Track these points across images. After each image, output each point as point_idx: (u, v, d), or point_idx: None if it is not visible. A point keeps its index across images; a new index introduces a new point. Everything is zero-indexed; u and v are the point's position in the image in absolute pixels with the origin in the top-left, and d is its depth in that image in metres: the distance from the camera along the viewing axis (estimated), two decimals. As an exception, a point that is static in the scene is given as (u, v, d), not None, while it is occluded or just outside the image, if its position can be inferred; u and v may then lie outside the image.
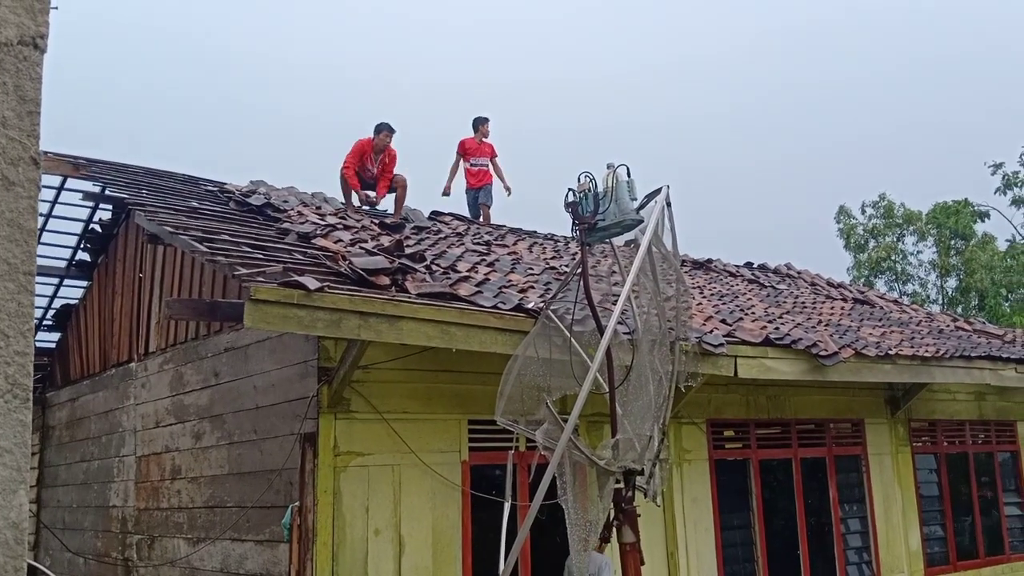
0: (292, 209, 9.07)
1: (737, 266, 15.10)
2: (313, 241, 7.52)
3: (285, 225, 8.10)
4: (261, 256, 6.57)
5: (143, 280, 9.86)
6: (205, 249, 6.53)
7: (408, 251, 7.59)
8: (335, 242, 7.58)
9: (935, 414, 11.55)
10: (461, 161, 12.68)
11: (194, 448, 8.46)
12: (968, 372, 10.32)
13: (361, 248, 7.32)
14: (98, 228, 10.93)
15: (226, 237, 7.07)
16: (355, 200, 10.71)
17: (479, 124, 12.72)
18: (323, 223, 8.55)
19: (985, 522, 11.91)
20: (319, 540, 6.47)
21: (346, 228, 8.62)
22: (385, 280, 6.40)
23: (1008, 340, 12.89)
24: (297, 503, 6.61)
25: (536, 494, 3.57)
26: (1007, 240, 25.35)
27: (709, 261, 14.57)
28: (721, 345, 7.77)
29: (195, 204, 8.66)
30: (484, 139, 12.70)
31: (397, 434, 6.96)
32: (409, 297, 6.19)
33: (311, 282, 5.56)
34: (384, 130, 10.82)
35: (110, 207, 10.32)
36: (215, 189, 9.90)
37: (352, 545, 6.64)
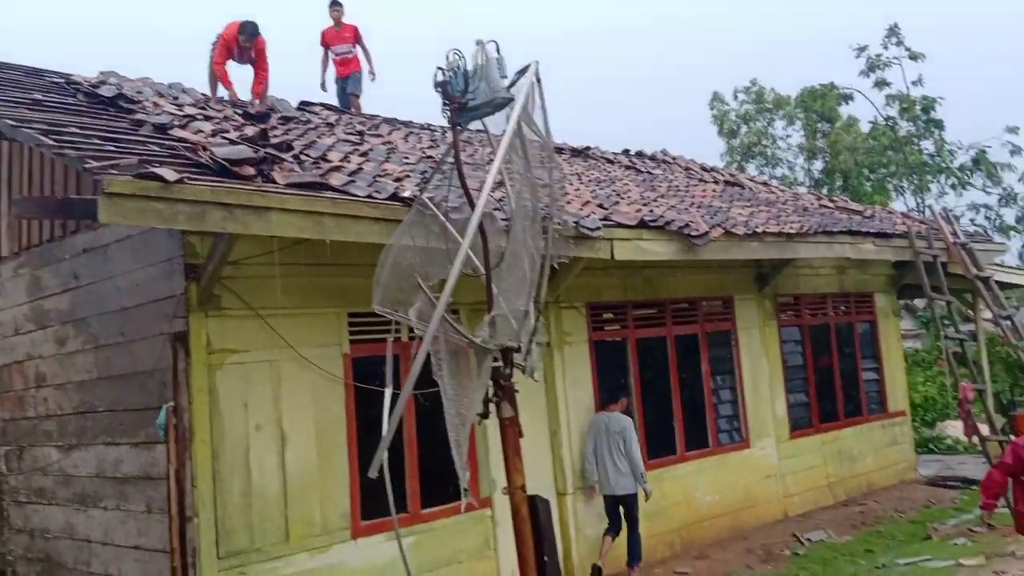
0: (147, 100, 8.52)
1: (614, 153, 15.21)
2: (171, 132, 7.10)
3: (139, 116, 7.61)
4: (114, 148, 6.16)
5: (-12, 181, 9.17)
6: (51, 142, 6.06)
7: (275, 141, 7.28)
8: (195, 133, 7.18)
9: (799, 289, 12.12)
10: (328, 52, 12.16)
11: (58, 354, 8.11)
12: (830, 247, 10.81)
13: (223, 138, 6.97)
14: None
15: (74, 129, 6.59)
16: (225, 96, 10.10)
17: (330, 10, 12.13)
18: (181, 114, 8.09)
19: (845, 388, 12.74)
20: (197, 438, 6.36)
21: (207, 119, 8.18)
22: (250, 170, 6.12)
23: (868, 216, 13.54)
24: (172, 403, 6.45)
25: (410, 374, 3.56)
26: (870, 122, 26.35)
27: (587, 148, 14.63)
28: (598, 228, 7.85)
29: (39, 96, 8.01)
30: (341, 24, 12.14)
31: (273, 330, 6.82)
32: (277, 187, 5.96)
33: (169, 173, 5.25)
34: (244, 34, 9.95)
35: (-57, 102, 9.46)
36: (61, 81, 9.18)
37: (232, 442, 6.56)
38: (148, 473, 6.87)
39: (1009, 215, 24.13)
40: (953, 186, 24.15)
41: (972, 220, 23.87)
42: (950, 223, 13.39)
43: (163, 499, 6.53)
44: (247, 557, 6.50)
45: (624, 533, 8.72)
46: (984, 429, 11.74)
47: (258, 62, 10.17)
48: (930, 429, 17.58)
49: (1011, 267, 16.82)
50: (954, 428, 16.62)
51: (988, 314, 12.66)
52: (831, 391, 12.47)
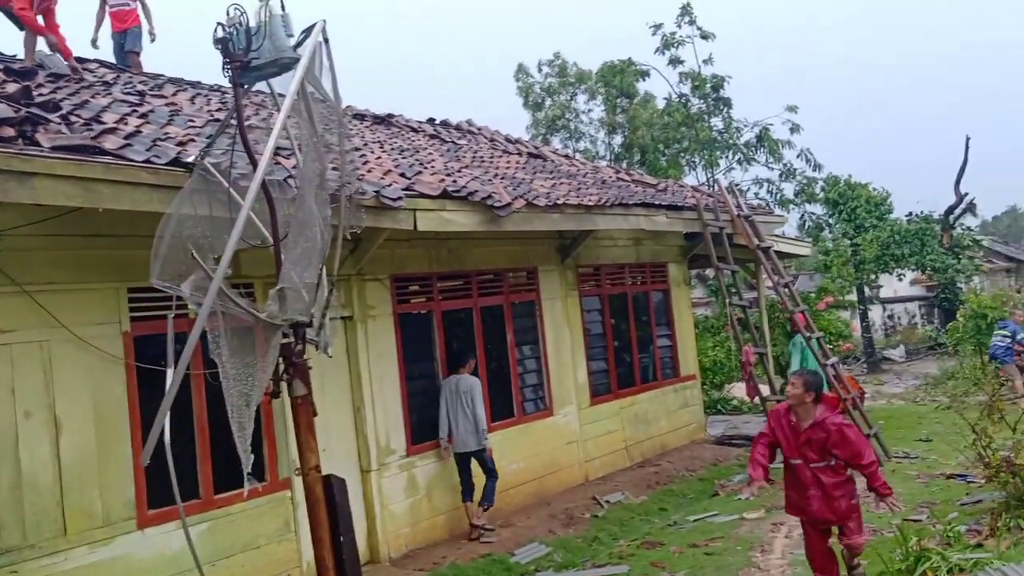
0: None
1: (420, 122, 15.06)
2: (-85, 87, 6.31)
3: None
4: None
5: None
6: None
7: (40, 100, 6.62)
8: (-55, 89, 6.41)
9: (599, 259, 12.50)
10: (105, 4, 11.12)
11: None
12: (626, 219, 11.18)
13: (-21, 95, 6.26)
14: None
15: None
16: (46, 46, 9.06)
17: None
18: (-71, 67, 7.21)
19: (641, 354, 13.30)
20: (-46, 430, 5.73)
21: (-39, 73, 7.34)
22: (10, 131, 5.52)
23: (661, 189, 14.12)
24: (-78, 392, 5.78)
25: (183, 355, 3.31)
26: (665, 99, 27.43)
27: (391, 116, 14.37)
28: (400, 199, 7.71)
29: None
30: None
31: (43, 307, 6.25)
32: (41, 151, 5.40)
33: (-93, 133, 4.64)
34: None
35: None
36: None
37: (-2, 431, 5.96)
38: None
39: (789, 189, 25.91)
40: (739, 161, 25.59)
41: (756, 194, 25.43)
42: (735, 196, 14.21)
43: (-86, 498, 5.86)
44: (19, 555, 5.96)
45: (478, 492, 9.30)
46: (765, 389, 12.63)
47: (50, 13, 9.24)
48: (718, 391, 18.74)
49: (790, 238, 18.12)
50: (739, 389, 17.79)
51: (769, 282, 13.56)
52: (629, 358, 12.98)
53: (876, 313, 32.59)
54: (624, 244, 13.05)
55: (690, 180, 23.88)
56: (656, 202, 11.98)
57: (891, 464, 11.11)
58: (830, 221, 28.76)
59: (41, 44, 9.39)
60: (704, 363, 17.47)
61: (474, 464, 9.36)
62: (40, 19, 9.14)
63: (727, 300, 13.15)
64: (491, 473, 9.35)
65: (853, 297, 26.97)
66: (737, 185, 22.52)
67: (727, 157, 25.78)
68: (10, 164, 5.09)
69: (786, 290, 12.95)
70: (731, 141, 25.50)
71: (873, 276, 29.04)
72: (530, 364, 11.16)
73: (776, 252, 13.69)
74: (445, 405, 9.37)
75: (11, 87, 6.91)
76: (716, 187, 16.41)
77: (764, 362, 12.62)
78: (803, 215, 27.80)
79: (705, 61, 25.40)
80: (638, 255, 13.42)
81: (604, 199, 10.79)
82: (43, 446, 6.20)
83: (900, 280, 33.23)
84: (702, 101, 25.86)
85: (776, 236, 15.24)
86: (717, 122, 25.95)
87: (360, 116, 13.71)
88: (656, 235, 13.23)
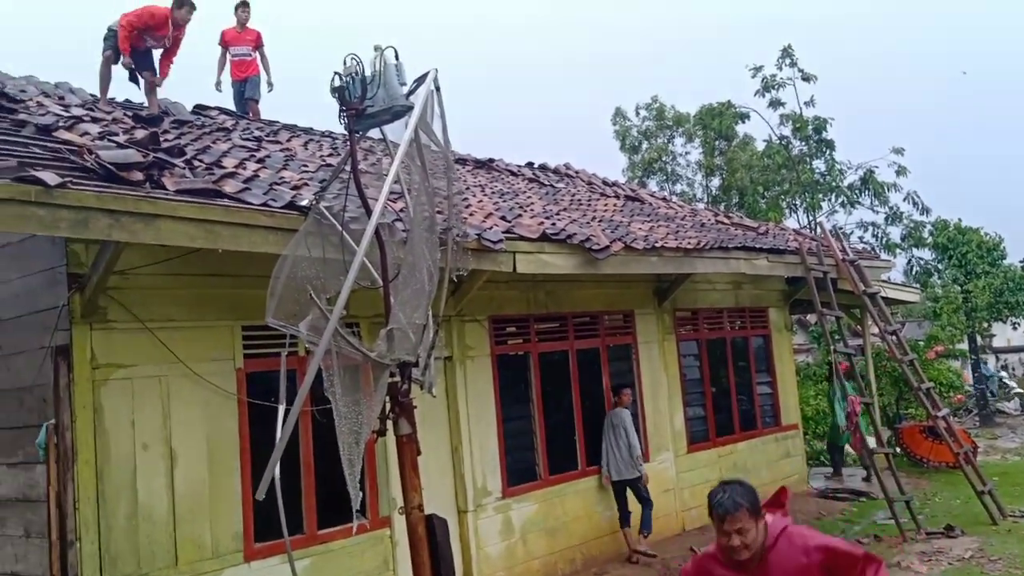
0: (31, 100, 8.11)
1: (519, 166, 15.27)
2: (55, 134, 6.76)
3: (22, 117, 7.23)
4: (-10, 151, 5.82)
5: None
6: (-80, 143, 5.70)
7: (166, 145, 7.01)
8: (81, 135, 6.85)
9: (697, 303, 12.36)
10: (226, 52, 11.81)
11: (-72, 369, 7.59)
12: (725, 262, 11.05)
13: (111, 141, 6.67)
14: None
15: (-53, 130, 6.22)
16: (121, 64, 9.55)
17: (237, 9, 11.81)
18: (67, 115, 7.71)
19: (740, 401, 13.04)
20: (80, 458, 6.04)
21: (94, 120, 7.83)
22: (139, 176, 5.86)
23: (762, 232, 13.93)
24: (52, 421, 6.11)
25: (300, 392, 3.43)
26: (765, 141, 27.13)
27: (491, 161, 14.64)
28: (500, 241, 7.83)
29: (-91, 94, 7.55)
30: (245, 27, 11.83)
31: (163, 344, 6.55)
32: (167, 194, 5.72)
33: (51, 177, 4.98)
34: (187, 5, 9.61)
35: None
36: (-65, 78, 8.68)
37: (118, 462, 6.26)
38: (26, 495, 6.49)
39: (895, 233, 25.19)
40: (843, 204, 25.05)
41: (860, 238, 24.81)
42: (839, 240, 13.89)
43: (43, 523, 6.17)
44: (133, 583, 6.20)
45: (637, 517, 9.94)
46: (871, 442, 12.20)
47: (173, 47, 9.81)
48: (821, 442, 18.17)
49: (897, 284, 17.58)
50: (843, 439, 17.20)
51: (876, 329, 13.15)
52: (727, 404, 12.74)
53: (989, 363, 31.13)
54: (723, 288, 12.89)
55: (791, 223, 23.42)
56: (757, 245, 11.82)
57: (1006, 523, 10.57)
58: (939, 267, 27.72)
59: (163, 91, 9.95)
60: (806, 412, 16.99)
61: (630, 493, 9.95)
62: (157, 55, 9.71)
63: (831, 347, 12.80)
64: (646, 502, 10.02)
65: (964, 346, 25.87)
66: (841, 228, 22.04)
67: (830, 200, 25.26)
68: (138, 207, 5.39)
69: (893, 338, 12.54)
70: (834, 184, 24.99)
71: (986, 324, 27.81)
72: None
73: (883, 298, 13.30)
74: (604, 437, 10.14)
75: (140, 133, 7.33)
76: (819, 231, 16.07)
77: (871, 412, 12.21)
78: (910, 260, 26.90)
79: (807, 103, 25.06)
80: (737, 299, 13.22)
81: (703, 242, 10.71)
82: (159, 478, 6.46)
83: (1015, 329, 31.70)
84: (804, 143, 25.47)
85: (882, 281, 14.80)
86: (819, 164, 25.50)
87: (462, 160, 14.00)
88: (756, 279, 13.03)
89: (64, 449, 6.08)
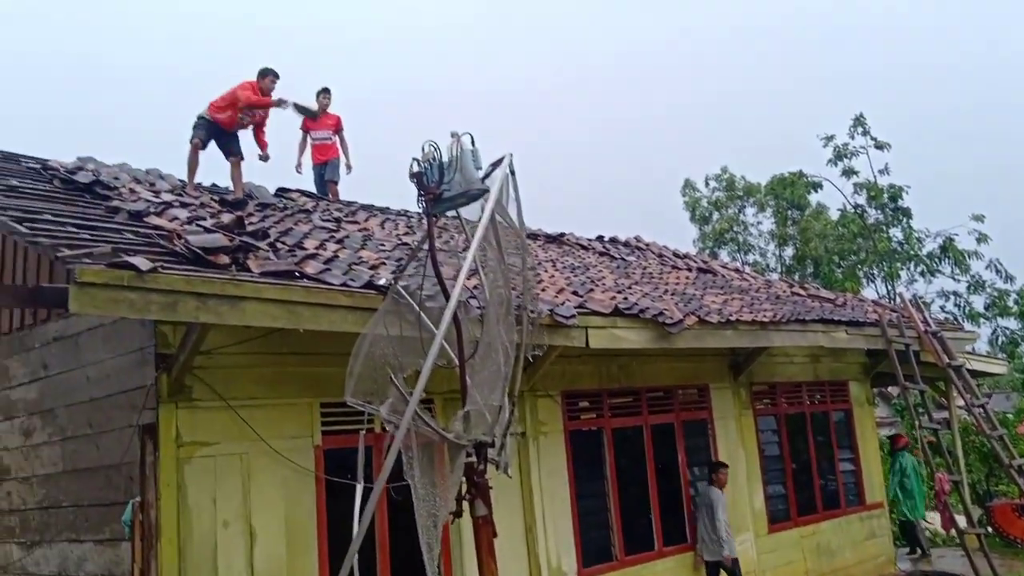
0: (124, 186, 8.53)
1: (589, 240, 15.37)
2: (146, 220, 7.09)
3: (115, 203, 7.61)
4: (88, 236, 6.13)
5: (-42, 268, 9.08)
6: (25, 230, 6.03)
7: (251, 228, 7.28)
8: (170, 220, 7.17)
9: (775, 377, 12.13)
10: (307, 136, 12.31)
11: (24, 446, 7.90)
12: (803, 335, 10.86)
13: (199, 226, 6.96)
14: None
15: (49, 217, 6.56)
16: (253, 139, 10.33)
17: (318, 96, 12.34)
18: (157, 201, 8.09)
19: (822, 479, 12.64)
20: (164, 536, 6.16)
21: (183, 206, 8.19)
22: (225, 259, 6.09)
23: (840, 304, 13.67)
24: (138, 498, 6.28)
25: (380, 473, 3.48)
26: (839, 209, 26.87)
27: (561, 235, 14.77)
28: (572, 316, 7.86)
29: (15, 183, 8.00)
30: (325, 111, 12.32)
31: (245, 421, 6.69)
32: (251, 276, 5.92)
33: (143, 262, 5.22)
34: (269, 75, 10.23)
35: (-83, 189, 9.44)
36: (37, 167, 9.19)
37: (200, 539, 6.36)
38: (112, 572, 6.64)
39: (978, 302, 24.49)
40: (922, 273, 24.54)
41: (942, 307, 24.17)
42: (921, 311, 13.56)
43: (126, 599, 6.30)
44: (210, 660, 6.24)
45: None
46: (961, 521, 11.67)
47: (262, 120, 10.44)
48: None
49: (982, 355, 17.01)
50: (932, 520, 16.51)
51: (961, 402, 12.71)
52: (808, 482, 12.36)
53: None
54: (801, 361, 12.64)
55: (868, 293, 22.99)
56: (835, 318, 11.60)
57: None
58: (1026, 336, 26.75)
59: (248, 175, 10.41)
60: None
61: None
62: (250, 131, 10.34)
63: (916, 422, 12.39)
64: None
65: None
66: (921, 298, 21.51)
67: (908, 269, 24.75)
68: (225, 289, 5.59)
69: (981, 411, 12.10)
70: (912, 252, 24.50)
71: (1080, 396, 26.60)
72: (702, 487, 10.82)
73: (968, 370, 12.87)
74: (697, 515, 10.26)
75: (226, 217, 7.64)
76: (899, 301, 15.72)
77: (960, 490, 11.72)
78: (995, 330, 26.01)
79: (881, 171, 24.78)
80: (816, 372, 12.94)
81: (779, 315, 10.56)
82: (239, 555, 6.53)
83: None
84: (879, 212, 25.10)
85: (967, 353, 14.33)
86: (896, 233, 25.09)
87: (533, 235, 14.17)
88: (835, 352, 12.74)
89: (149, 526, 6.22)
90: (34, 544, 7.60)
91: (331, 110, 12.48)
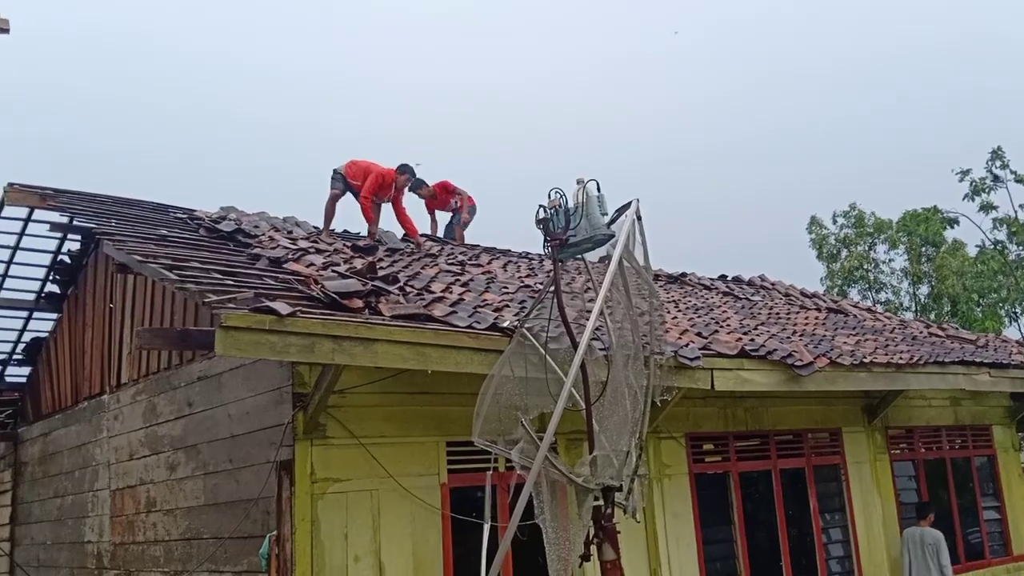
0: (263, 234, 9.00)
1: (711, 279, 15.16)
2: (285, 266, 7.46)
3: (256, 251, 8.04)
4: (232, 282, 6.50)
5: (113, 311, 9.74)
6: (175, 277, 6.45)
7: (381, 273, 7.55)
8: (307, 266, 7.52)
9: (911, 420, 11.61)
10: (434, 215, 12.80)
11: (169, 480, 8.34)
12: (942, 378, 10.38)
13: (333, 271, 7.27)
14: (67, 259, 10.80)
15: (196, 264, 7.00)
16: (368, 232, 10.78)
17: (417, 193, 12.38)
18: (295, 247, 8.49)
19: (964, 527, 11.96)
20: (298, 570, 6.37)
21: (318, 252, 8.57)
22: (358, 303, 6.34)
23: (981, 345, 13.01)
24: (275, 532, 6.52)
25: (513, 514, 3.54)
26: (977, 246, 25.70)
27: (683, 275, 14.62)
28: (697, 358, 7.77)
29: (164, 232, 8.57)
30: (432, 192, 12.55)
31: (375, 458, 6.89)
32: (383, 319, 6.15)
33: (283, 307, 5.50)
34: (407, 172, 10.93)
35: (78, 238, 10.21)
36: (184, 216, 9.82)
37: (332, 573, 6.54)
38: (249, 603, 6.90)
39: None
40: (1070, 312, 23.13)
41: (1094, 347, 22.63)
42: (1071, 352, 12.74)
43: (263, 630, 6.52)
44: None
45: None
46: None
47: (400, 200, 10.99)
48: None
49: None
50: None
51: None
52: (950, 531, 11.69)
53: None
54: (940, 404, 12.05)
55: (1011, 333, 21.76)
56: (976, 359, 11.04)
57: None
58: None
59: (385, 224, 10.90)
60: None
61: None
62: (389, 206, 10.87)
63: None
64: None
65: None
66: (1071, 338, 20.18)
67: (1055, 307, 23.33)
68: (358, 332, 5.81)
69: None
70: (1059, 289, 23.12)
71: None
72: (835, 534, 10.42)
73: None
74: (908, 555, 10.39)
75: (358, 262, 7.95)
76: (1046, 342, 14.82)
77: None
78: None
79: (1022, 206, 23.57)
80: (956, 416, 12.31)
81: (916, 356, 10.14)
82: (369, 589, 6.70)
83: None
84: (1021, 248, 23.83)
85: (1126, 397, 13.34)
86: (1040, 269, 23.73)
87: (655, 276, 14.09)
88: (977, 395, 12.11)
89: (284, 560, 6.45)
90: (177, 574, 7.98)
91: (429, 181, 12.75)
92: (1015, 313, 24.36)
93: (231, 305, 5.54)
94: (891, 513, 10.95)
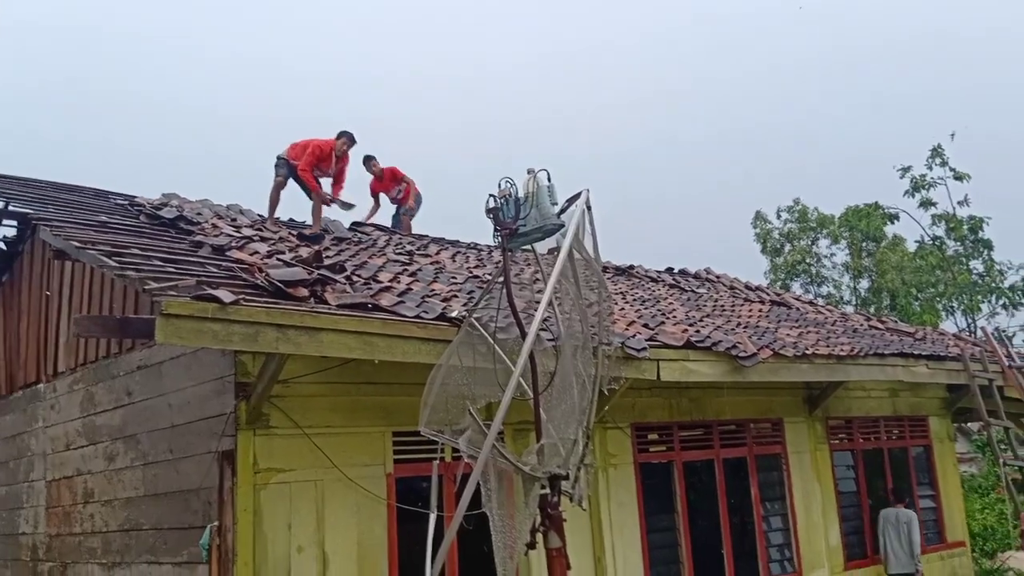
0: (206, 222, 8.83)
1: (658, 272, 15.30)
2: (228, 254, 7.33)
3: (198, 238, 7.88)
4: (173, 270, 6.37)
5: (50, 298, 9.48)
6: (114, 264, 6.29)
7: (328, 262, 7.46)
8: (251, 254, 7.40)
9: (851, 411, 11.86)
10: (378, 198, 12.63)
11: (107, 470, 8.16)
12: (882, 369, 10.62)
13: (279, 260, 7.17)
14: (2, 246, 10.48)
15: (136, 251, 6.84)
16: (316, 200, 10.53)
17: (368, 167, 12.41)
18: (239, 235, 8.35)
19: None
20: (240, 560, 6.29)
21: (263, 240, 8.44)
22: (304, 292, 6.26)
23: (919, 337, 13.33)
24: (216, 523, 6.43)
25: (459, 503, 3.53)
26: (916, 241, 26.32)
27: (631, 267, 14.73)
28: (644, 349, 7.83)
29: (104, 218, 8.36)
30: (382, 173, 12.49)
31: (319, 449, 6.82)
32: (329, 308, 6.07)
33: (226, 295, 5.40)
34: (344, 137, 10.74)
35: (14, 223, 9.90)
36: (125, 203, 9.59)
37: (274, 564, 6.47)
38: (189, 595, 6.79)
39: (1065, 336, 23.61)
40: (1004, 306, 23.78)
41: (1026, 341, 23.38)
42: (1004, 345, 13.14)
43: (203, 622, 6.43)
44: None
45: None
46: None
47: (339, 177, 10.79)
48: (990, 560, 16.76)
49: (1070, 391, 16.32)
50: (1017, 560, 15.84)
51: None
52: (887, 519, 12.00)
53: None
54: (879, 395, 12.33)
55: (948, 326, 22.33)
56: (915, 351, 11.32)
57: None
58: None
59: (326, 211, 10.69)
60: (973, 528, 15.78)
61: None
62: (330, 183, 10.63)
63: (999, 458, 11.97)
64: None
65: None
66: (1003, 331, 20.81)
67: (990, 302, 24.02)
68: (303, 321, 5.74)
69: (1071, 450, 11.63)
70: (994, 284, 23.78)
71: None
72: (776, 522, 10.61)
73: (1056, 407, 12.39)
74: (882, 535, 11.32)
75: (304, 251, 7.85)
76: (981, 334, 15.25)
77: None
78: (1084, 365, 25.01)
79: (960, 202, 24.18)
80: (895, 407, 12.60)
81: (857, 349, 10.36)
82: (312, 581, 6.64)
83: None
84: (959, 243, 24.46)
85: (1054, 389, 13.78)
86: (977, 265, 24.40)
87: (603, 268, 14.16)
88: (915, 386, 12.40)
89: (225, 550, 6.36)
90: (115, 565, 7.83)
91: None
92: (951, 307, 24.99)
93: (172, 292, 5.43)
94: (830, 501, 11.18)
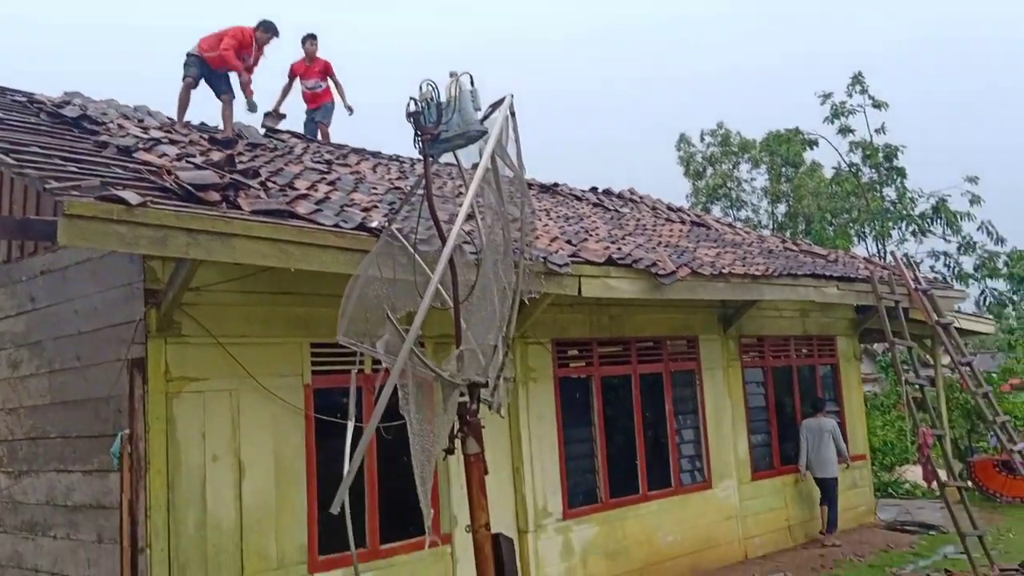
0: (111, 122, 8.40)
1: (583, 190, 15.29)
2: (135, 155, 6.99)
3: (103, 138, 7.50)
4: (76, 169, 6.04)
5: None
6: (12, 161, 5.94)
7: (241, 167, 7.20)
8: (160, 156, 7.08)
9: (763, 330, 12.19)
10: (296, 83, 12.03)
11: (11, 378, 7.89)
12: (794, 289, 10.89)
13: (189, 163, 6.88)
14: None
15: (36, 149, 6.46)
16: (238, 83, 10.01)
17: (305, 42, 11.93)
18: (146, 137, 7.97)
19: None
20: (152, 468, 6.20)
21: (172, 143, 8.07)
22: (216, 196, 6.03)
23: (831, 260, 13.69)
24: (127, 431, 6.29)
25: (376, 406, 3.48)
26: (833, 168, 26.78)
27: (556, 185, 14.68)
28: (566, 265, 7.84)
29: (1, 115, 7.87)
30: (314, 59, 12.00)
31: (234, 358, 6.69)
32: (242, 214, 5.87)
33: (132, 196, 5.16)
34: (271, 30, 10.21)
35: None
36: (24, 100, 9.04)
37: (188, 472, 6.40)
38: (100, 502, 6.67)
39: (968, 263, 24.57)
40: (914, 233, 24.55)
41: (932, 267, 24.27)
42: (911, 269, 13.57)
43: (115, 529, 6.35)
44: (199, 592, 6.31)
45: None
46: (942, 474, 11.84)
47: (253, 66, 10.24)
48: (888, 473, 17.69)
49: (970, 314, 17.11)
50: (913, 473, 16.74)
51: (948, 360, 12.80)
52: (793, 434, 12.48)
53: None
54: (790, 315, 12.69)
55: (859, 251, 23.01)
56: (826, 273, 11.63)
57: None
58: (1014, 298, 26.90)
59: (237, 115, 10.23)
60: (873, 443, 16.59)
61: None
62: (233, 79, 10.12)
63: (901, 377, 12.48)
64: (833, 502, 11.95)
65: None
66: (912, 257, 21.55)
67: (900, 228, 24.78)
68: (215, 226, 5.53)
69: (967, 369, 12.18)
70: (905, 212, 24.50)
71: (1064, 358, 26.86)
72: (688, 435, 10.94)
73: (956, 329, 12.93)
74: (806, 443, 11.99)
75: (216, 155, 7.55)
76: (890, 259, 15.76)
77: (942, 445, 11.88)
78: (983, 291, 26.15)
79: (877, 130, 24.66)
80: (805, 327, 13.00)
81: (771, 269, 10.58)
82: (227, 489, 6.58)
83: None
84: (874, 171, 25.04)
85: (955, 312, 14.41)
86: (890, 192, 25.07)
87: (528, 185, 14.06)
88: (825, 307, 12.79)
89: (137, 458, 6.25)
90: (22, 474, 7.63)
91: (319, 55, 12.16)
92: (864, 233, 25.67)
93: (75, 192, 5.16)
94: (740, 416, 11.56)
